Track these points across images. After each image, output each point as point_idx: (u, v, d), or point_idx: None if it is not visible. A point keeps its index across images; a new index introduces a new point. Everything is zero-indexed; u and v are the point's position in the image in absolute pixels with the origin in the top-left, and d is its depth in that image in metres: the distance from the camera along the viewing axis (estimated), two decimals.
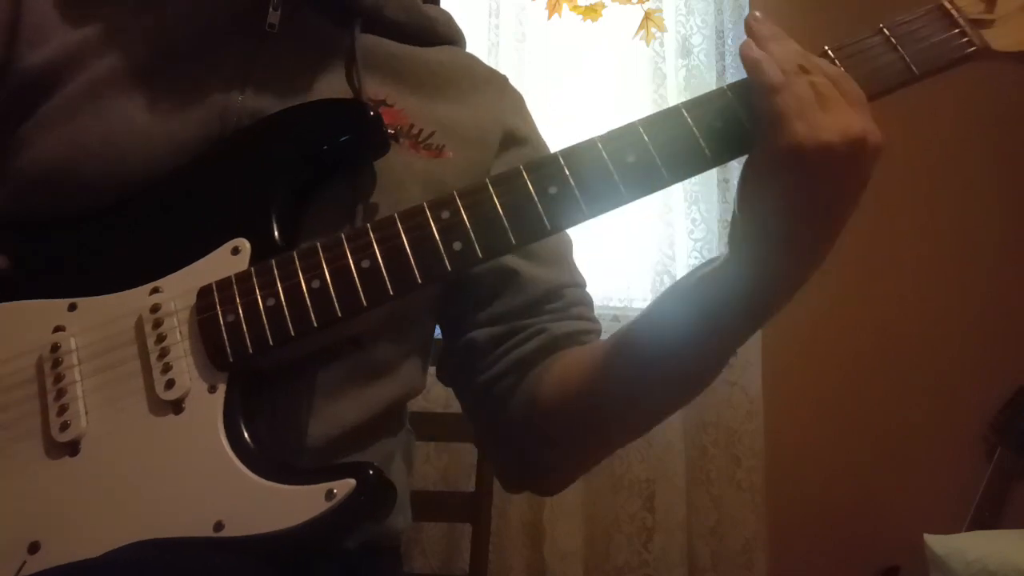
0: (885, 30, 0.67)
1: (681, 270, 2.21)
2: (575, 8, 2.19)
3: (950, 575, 1.68)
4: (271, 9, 0.78)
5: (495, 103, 0.89)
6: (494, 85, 0.92)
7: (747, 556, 2.17)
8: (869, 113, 0.62)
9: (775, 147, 0.61)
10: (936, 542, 1.74)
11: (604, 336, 0.85)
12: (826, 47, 0.67)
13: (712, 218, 2.21)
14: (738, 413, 2.20)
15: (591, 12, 2.18)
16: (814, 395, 2.33)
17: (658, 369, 0.72)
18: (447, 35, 0.91)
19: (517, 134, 0.88)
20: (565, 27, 2.21)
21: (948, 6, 0.68)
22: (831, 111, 0.60)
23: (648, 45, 2.24)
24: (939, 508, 2.10)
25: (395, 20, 0.85)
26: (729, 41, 2.29)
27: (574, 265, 0.89)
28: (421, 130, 0.81)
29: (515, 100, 0.93)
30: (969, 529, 2.04)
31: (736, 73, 2.29)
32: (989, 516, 2.09)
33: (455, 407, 1.32)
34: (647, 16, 2.23)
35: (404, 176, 0.79)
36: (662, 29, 2.24)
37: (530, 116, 0.93)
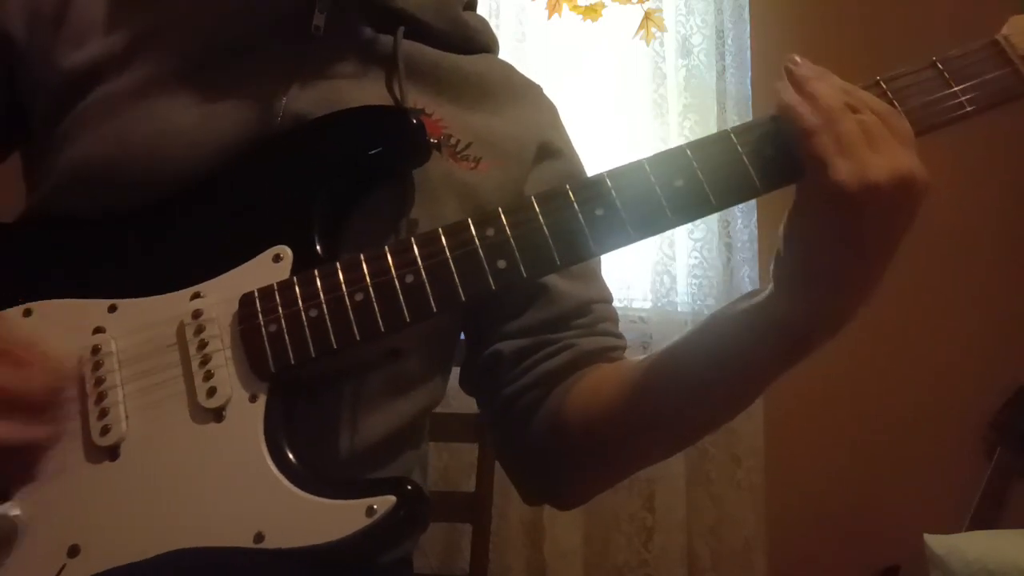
0: (939, 64, 0.66)
1: (681, 270, 2.21)
2: (575, 8, 2.19)
3: (950, 575, 1.68)
4: (316, 12, 0.78)
5: (532, 115, 0.89)
6: (530, 96, 0.92)
7: (747, 556, 2.17)
8: (915, 150, 0.62)
9: (820, 186, 0.60)
10: (936, 542, 1.73)
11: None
12: (878, 77, 0.66)
13: (712, 218, 2.21)
14: None
15: (591, 12, 2.18)
16: (814, 395, 2.32)
17: (695, 393, 0.72)
18: (484, 43, 0.91)
19: (551, 147, 0.88)
20: (565, 27, 2.22)
21: (1002, 43, 0.67)
22: (880, 150, 0.60)
23: (648, 45, 2.24)
24: (939, 508, 2.09)
25: (437, 28, 0.85)
26: (729, 41, 2.29)
27: (603, 280, 0.89)
28: (458, 141, 0.82)
29: (551, 112, 0.93)
30: (969, 529, 2.04)
31: (736, 73, 2.29)
32: (989, 516, 2.09)
33: (456, 407, 1.33)
34: (647, 16, 2.23)
35: (440, 188, 0.79)
36: (662, 29, 2.24)
37: (564, 128, 0.93)
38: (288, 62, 0.78)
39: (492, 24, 2.14)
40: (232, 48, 0.79)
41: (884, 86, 0.66)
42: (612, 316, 0.86)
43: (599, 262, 0.90)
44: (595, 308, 0.84)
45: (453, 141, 0.81)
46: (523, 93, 0.91)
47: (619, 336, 0.86)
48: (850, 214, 0.60)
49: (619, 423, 0.76)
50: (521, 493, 0.87)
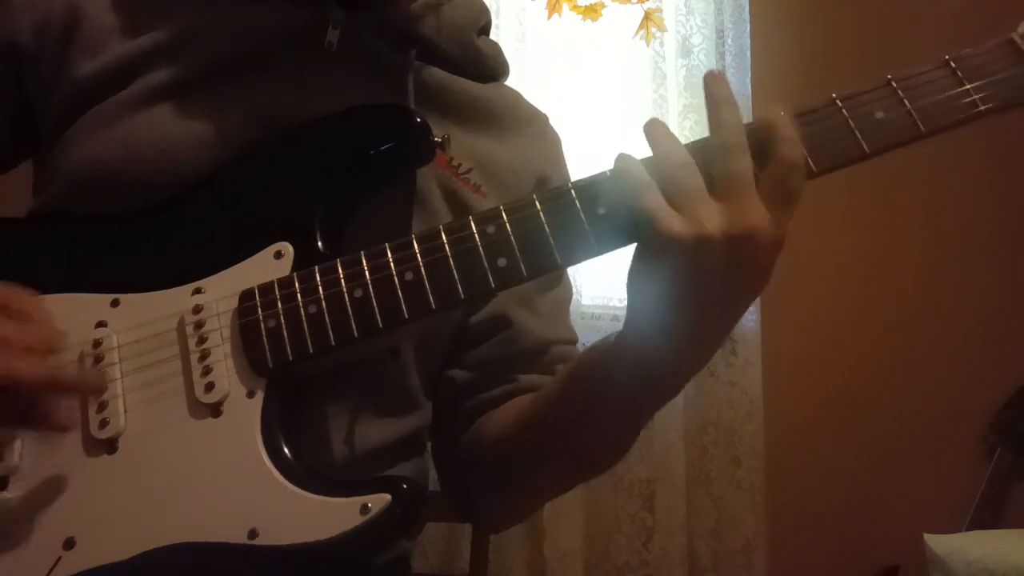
0: (952, 63, 0.64)
1: None
2: (575, 8, 2.18)
3: (950, 575, 1.68)
4: (330, 27, 0.79)
5: (535, 148, 0.90)
6: (535, 127, 0.93)
7: (747, 556, 2.17)
8: (792, 204, 0.59)
9: (650, 237, 0.59)
10: (936, 542, 1.73)
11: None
12: (889, 76, 0.64)
13: None
14: (738, 413, 2.20)
15: (591, 12, 2.18)
16: (814, 395, 2.33)
17: (562, 429, 0.73)
18: (494, 69, 0.91)
19: (548, 183, 0.89)
20: (565, 27, 2.21)
21: (1018, 41, 0.65)
22: (727, 200, 0.58)
23: (648, 45, 2.24)
24: (939, 508, 2.10)
25: (449, 52, 0.86)
26: (729, 41, 2.29)
27: (569, 320, 0.90)
28: (460, 164, 0.82)
29: (554, 145, 0.94)
30: (969, 529, 2.04)
31: (736, 73, 2.29)
32: (989, 516, 2.09)
33: None
34: (647, 16, 2.23)
35: (441, 203, 0.80)
36: (662, 29, 2.24)
37: (565, 162, 0.94)
38: (299, 75, 0.79)
39: (492, 24, 2.16)
40: (244, 60, 0.79)
41: (895, 85, 0.64)
42: (569, 357, 0.87)
43: (569, 300, 0.91)
44: (553, 349, 0.85)
45: (455, 163, 0.82)
46: (528, 123, 0.92)
47: None
48: (682, 266, 0.58)
49: (512, 451, 0.78)
50: (450, 503, 0.89)
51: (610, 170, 0.64)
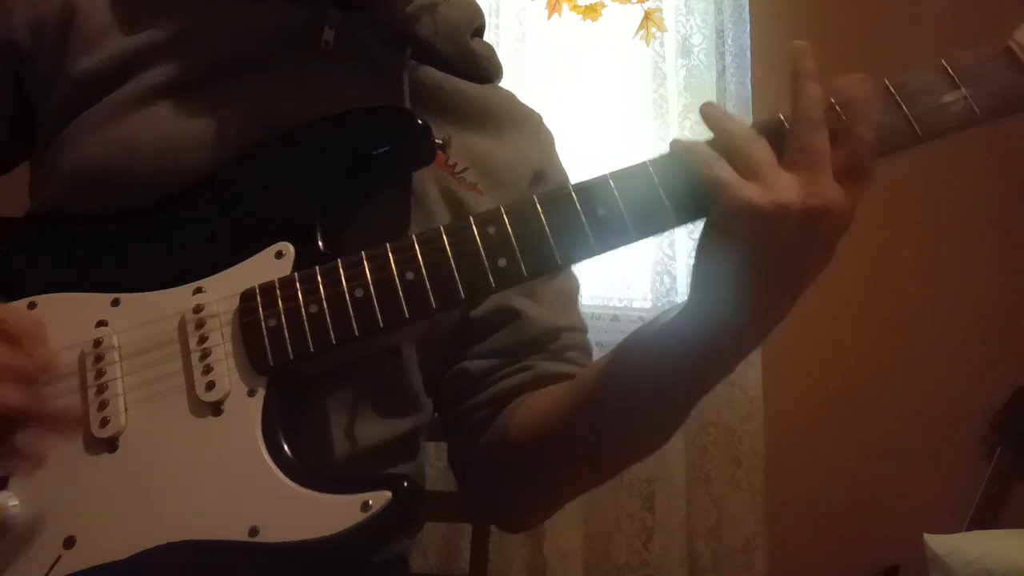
0: (949, 69, 0.65)
1: (681, 270, 2.21)
2: (575, 8, 2.18)
3: (950, 575, 1.68)
4: (326, 27, 0.79)
5: (529, 146, 0.91)
6: (531, 125, 0.94)
7: (747, 556, 2.17)
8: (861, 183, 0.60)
9: (723, 207, 0.59)
10: (936, 542, 1.73)
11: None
12: (886, 81, 0.64)
13: None
14: (738, 413, 2.21)
15: (591, 12, 2.18)
16: (814, 395, 2.33)
17: (619, 411, 0.73)
18: (488, 71, 0.92)
19: (545, 175, 0.89)
20: (565, 27, 2.22)
21: (1015, 49, 0.65)
22: (799, 173, 0.59)
23: (648, 45, 2.24)
24: (939, 508, 2.09)
25: (444, 52, 0.87)
26: (729, 41, 2.30)
27: (577, 309, 0.90)
28: (456, 163, 0.83)
29: (548, 144, 0.95)
30: (969, 529, 2.04)
31: (736, 73, 2.29)
32: (989, 516, 2.08)
33: None
34: (647, 16, 2.23)
35: (438, 203, 0.81)
36: (662, 29, 2.24)
37: (559, 159, 0.95)
38: (299, 75, 0.80)
39: (492, 24, 2.16)
40: (241, 60, 0.79)
41: (892, 91, 0.64)
42: (582, 345, 0.87)
43: (576, 290, 0.91)
44: (564, 335, 0.85)
45: (451, 163, 0.83)
46: (523, 122, 0.93)
47: (583, 365, 0.86)
48: (756, 236, 0.58)
49: (546, 441, 0.76)
50: (466, 504, 0.89)
51: (653, 159, 0.65)
